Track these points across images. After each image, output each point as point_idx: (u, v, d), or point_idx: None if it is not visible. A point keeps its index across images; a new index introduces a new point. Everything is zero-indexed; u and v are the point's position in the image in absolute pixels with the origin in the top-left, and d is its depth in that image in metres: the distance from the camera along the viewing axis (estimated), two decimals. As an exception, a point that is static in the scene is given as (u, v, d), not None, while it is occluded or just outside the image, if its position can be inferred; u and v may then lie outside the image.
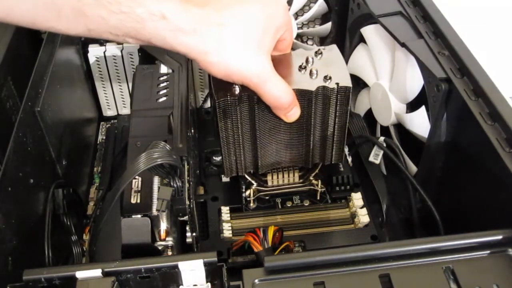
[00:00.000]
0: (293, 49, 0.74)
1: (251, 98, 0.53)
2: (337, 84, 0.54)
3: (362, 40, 0.69)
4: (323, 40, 0.79)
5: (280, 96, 0.51)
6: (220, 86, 0.53)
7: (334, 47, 0.58)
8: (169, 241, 0.48)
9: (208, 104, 0.82)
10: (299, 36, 0.77)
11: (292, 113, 0.54)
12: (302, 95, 0.54)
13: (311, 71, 0.54)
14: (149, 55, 0.65)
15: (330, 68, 0.55)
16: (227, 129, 0.56)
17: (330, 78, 0.54)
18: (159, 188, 0.48)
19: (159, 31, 0.45)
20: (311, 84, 0.54)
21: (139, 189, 0.49)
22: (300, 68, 0.55)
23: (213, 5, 0.48)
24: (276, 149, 0.60)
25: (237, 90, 0.53)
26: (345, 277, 0.38)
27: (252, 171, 0.63)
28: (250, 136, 0.57)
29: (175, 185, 0.48)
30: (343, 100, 0.55)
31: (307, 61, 0.56)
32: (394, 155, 0.62)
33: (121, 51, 0.74)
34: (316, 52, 0.56)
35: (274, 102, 0.52)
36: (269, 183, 0.66)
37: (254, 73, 0.49)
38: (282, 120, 0.55)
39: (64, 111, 0.64)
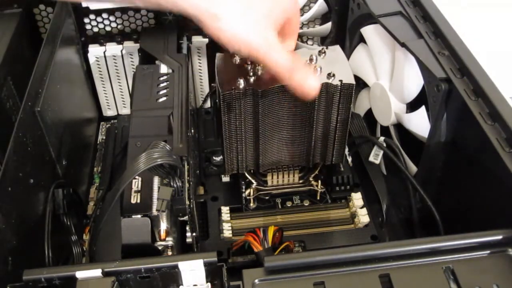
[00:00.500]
0: (294, 49, 0.74)
1: (255, 93, 0.54)
2: (341, 81, 0.54)
3: (362, 40, 0.69)
4: (323, 40, 0.79)
5: (285, 63, 0.50)
6: (225, 79, 0.54)
7: (337, 48, 0.58)
8: (169, 241, 0.48)
9: (208, 104, 0.82)
10: (299, 36, 0.77)
11: (310, 82, 0.51)
12: None
13: (315, 68, 0.55)
14: (149, 55, 0.66)
15: (333, 66, 0.55)
16: (230, 123, 0.56)
17: (333, 75, 0.54)
18: (159, 188, 0.48)
19: None
20: None
21: (139, 189, 0.49)
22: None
23: None
24: (278, 145, 0.60)
25: (242, 84, 0.53)
26: (345, 277, 0.38)
27: (252, 170, 0.63)
28: (253, 131, 0.57)
29: (175, 185, 0.48)
30: (346, 97, 0.55)
31: (311, 59, 0.56)
32: (394, 155, 0.62)
33: (121, 51, 0.74)
34: (319, 52, 0.57)
35: (284, 70, 0.50)
36: (269, 183, 0.66)
37: (262, 44, 0.48)
38: (285, 116, 0.55)
39: (64, 111, 0.64)
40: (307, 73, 0.51)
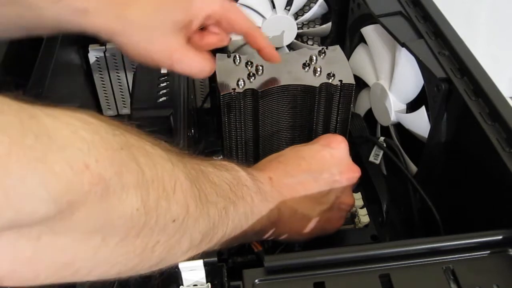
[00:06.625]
0: (294, 49, 0.74)
1: (255, 93, 0.54)
2: (341, 81, 0.54)
3: (362, 40, 0.69)
4: (323, 40, 0.79)
5: (202, 68, 0.50)
6: (225, 80, 0.54)
7: (337, 48, 0.58)
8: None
9: (208, 104, 0.82)
10: (299, 36, 0.77)
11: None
12: (306, 91, 0.55)
13: (314, 68, 0.55)
14: (149, 55, 0.65)
15: (333, 66, 0.55)
16: (230, 124, 0.56)
17: (333, 75, 0.54)
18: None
19: (59, 14, 0.43)
20: (314, 81, 0.54)
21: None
22: (304, 65, 0.56)
23: None
24: (278, 145, 0.60)
25: (242, 84, 0.53)
26: (345, 277, 0.38)
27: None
28: (253, 131, 0.57)
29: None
30: (346, 97, 0.55)
31: (310, 59, 0.56)
32: (394, 155, 0.62)
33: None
34: (319, 52, 0.57)
35: (199, 74, 0.51)
36: (269, 183, 0.66)
37: (167, 54, 0.48)
38: (285, 116, 0.55)
39: (64, 111, 0.64)
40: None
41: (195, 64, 0.49)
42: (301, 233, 0.50)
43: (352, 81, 0.54)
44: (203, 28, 0.54)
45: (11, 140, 0.23)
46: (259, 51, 0.54)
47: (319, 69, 0.55)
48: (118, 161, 0.29)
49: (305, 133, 0.59)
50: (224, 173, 0.41)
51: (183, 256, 0.37)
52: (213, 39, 0.53)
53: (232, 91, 0.53)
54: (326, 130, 0.58)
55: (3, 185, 0.23)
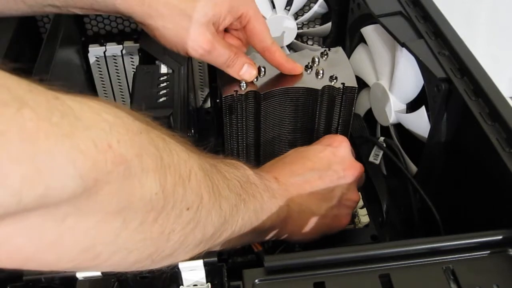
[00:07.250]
0: (295, 50, 0.74)
1: (257, 95, 0.54)
2: (343, 84, 0.54)
3: (362, 40, 0.69)
4: (323, 40, 0.79)
5: (226, 60, 0.52)
6: (226, 82, 0.54)
7: (339, 49, 0.58)
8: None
9: (208, 104, 0.82)
10: (299, 36, 0.77)
11: (244, 71, 0.54)
12: (308, 94, 0.54)
13: (317, 70, 0.55)
14: (149, 55, 0.66)
15: (335, 68, 0.55)
16: (232, 125, 0.56)
17: (336, 78, 0.54)
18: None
19: None
20: (317, 83, 0.54)
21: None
22: (306, 67, 0.56)
23: None
24: (280, 147, 0.60)
25: (243, 86, 0.53)
26: (345, 277, 0.38)
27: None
28: (254, 133, 0.57)
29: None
30: (348, 100, 0.55)
31: (313, 61, 0.56)
32: (394, 155, 0.62)
33: (121, 51, 0.74)
34: (321, 53, 0.57)
35: (223, 66, 0.53)
36: (269, 183, 0.66)
37: (199, 43, 0.50)
38: (287, 118, 0.55)
39: (64, 111, 0.64)
40: (244, 66, 0.54)
41: (224, 56, 0.52)
42: (308, 231, 0.50)
43: (355, 84, 0.54)
44: (226, 30, 0.55)
45: (39, 117, 0.24)
46: (279, 67, 0.56)
47: (321, 72, 0.55)
48: (138, 144, 0.30)
49: (307, 135, 0.59)
50: (234, 170, 0.42)
51: (194, 249, 0.37)
52: (234, 43, 0.56)
53: (234, 93, 0.53)
54: (327, 132, 0.58)
55: (34, 160, 0.23)
